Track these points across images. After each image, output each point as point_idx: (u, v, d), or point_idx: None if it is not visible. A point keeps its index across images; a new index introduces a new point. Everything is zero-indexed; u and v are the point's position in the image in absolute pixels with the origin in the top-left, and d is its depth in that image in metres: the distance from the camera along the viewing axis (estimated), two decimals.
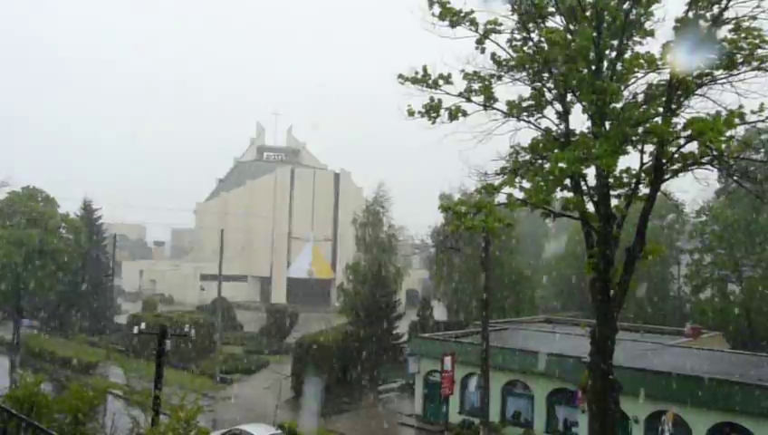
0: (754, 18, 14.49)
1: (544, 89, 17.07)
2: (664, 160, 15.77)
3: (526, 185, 16.21)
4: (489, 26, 16.35)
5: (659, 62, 15.38)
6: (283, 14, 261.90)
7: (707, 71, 15.12)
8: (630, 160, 16.52)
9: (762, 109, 14.35)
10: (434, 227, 55.44)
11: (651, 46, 16.06)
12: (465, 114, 16.90)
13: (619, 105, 15.78)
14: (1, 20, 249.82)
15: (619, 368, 20.07)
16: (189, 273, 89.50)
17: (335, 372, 36.97)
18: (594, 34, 15.24)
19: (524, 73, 16.95)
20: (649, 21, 16.04)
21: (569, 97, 16.76)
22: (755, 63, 14.58)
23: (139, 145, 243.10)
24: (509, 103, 17.10)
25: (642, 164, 16.24)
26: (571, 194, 16.59)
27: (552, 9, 16.24)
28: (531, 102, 17.25)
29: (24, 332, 53.49)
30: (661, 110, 15.60)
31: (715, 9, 14.70)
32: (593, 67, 15.70)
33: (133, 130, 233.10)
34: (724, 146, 14.77)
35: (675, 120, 15.38)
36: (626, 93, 16.15)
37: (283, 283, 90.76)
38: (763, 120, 14.75)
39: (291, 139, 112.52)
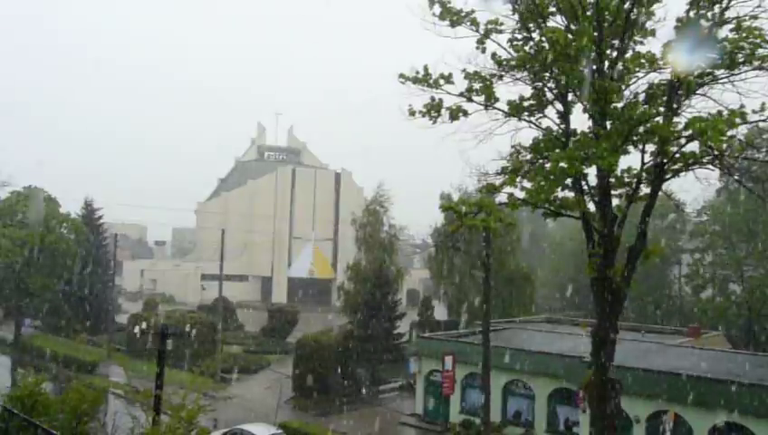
0: (755, 18, 14.47)
1: (545, 88, 17.05)
2: (665, 160, 15.75)
3: (527, 185, 16.16)
4: (490, 26, 16.33)
5: (660, 62, 15.35)
6: (283, 14, 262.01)
7: (708, 70, 15.10)
8: (631, 160, 16.52)
9: (763, 108, 14.31)
10: (435, 227, 55.50)
11: (652, 46, 16.05)
12: (465, 114, 16.87)
13: (619, 105, 15.77)
14: (1, 19, 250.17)
15: (620, 368, 20.08)
16: (190, 272, 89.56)
17: (336, 371, 36.98)
18: (595, 34, 15.22)
19: (525, 73, 16.91)
20: (650, 20, 16.01)
21: (570, 97, 16.74)
22: (756, 63, 14.55)
23: (140, 145, 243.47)
24: (510, 103, 17.07)
25: (643, 164, 16.21)
26: (572, 194, 16.57)
27: (552, 9, 16.21)
28: (532, 102, 17.22)
29: (26, 331, 53.54)
30: (662, 109, 15.58)
31: (716, 9, 14.68)
32: (594, 67, 15.69)
33: (134, 130, 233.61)
34: (725, 146, 14.75)
35: (676, 119, 15.35)
36: (627, 93, 16.14)
37: (283, 282, 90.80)
38: (764, 120, 14.70)
39: (292, 138, 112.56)
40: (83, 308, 56.01)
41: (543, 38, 15.79)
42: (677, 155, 15.58)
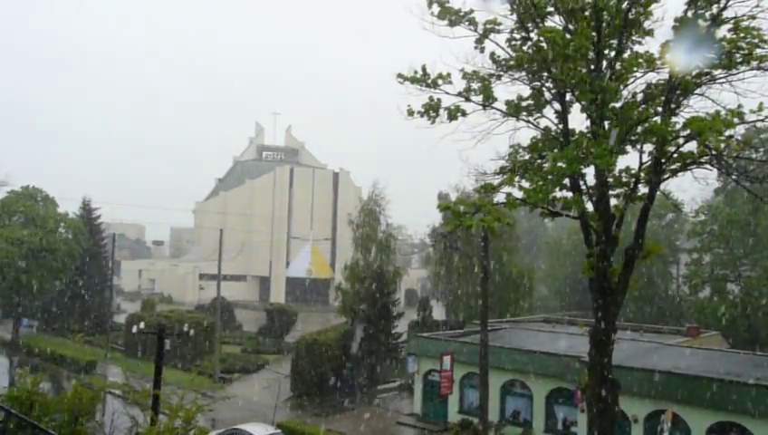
0: (753, 18, 14.49)
1: (543, 88, 17.06)
2: (663, 160, 15.77)
3: (525, 184, 16.18)
4: (488, 26, 16.35)
5: (658, 62, 15.38)
6: (280, 14, 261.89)
7: (706, 70, 15.12)
8: (630, 160, 16.54)
9: (760, 108, 14.33)
10: (433, 227, 55.48)
11: (650, 46, 16.09)
12: (464, 114, 16.89)
13: (618, 105, 15.79)
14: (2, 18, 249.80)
15: (619, 367, 20.09)
16: (188, 272, 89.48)
17: (334, 371, 36.98)
18: (593, 34, 15.24)
19: (523, 73, 16.94)
20: (648, 20, 16.03)
21: (568, 96, 16.75)
22: (754, 63, 14.58)
23: (138, 145, 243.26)
24: (508, 103, 17.09)
25: (641, 163, 16.23)
26: (570, 193, 16.57)
27: (551, 9, 16.22)
28: (530, 102, 17.25)
29: (24, 331, 53.50)
30: (660, 109, 15.61)
31: (714, 9, 14.70)
32: (592, 67, 15.71)
33: (132, 129, 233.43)
34: (723, 145, 14.78)
35: (674, 119, 15.38)
36: (625, 93, 16.16)
37: (282, 282, 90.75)
38: (761, 120, 14.73)
39: (290, 138, 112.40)
40: (81, 308, 55.97)
41: (542, 38, 15.80)
42: (675, 155, 15.61)
